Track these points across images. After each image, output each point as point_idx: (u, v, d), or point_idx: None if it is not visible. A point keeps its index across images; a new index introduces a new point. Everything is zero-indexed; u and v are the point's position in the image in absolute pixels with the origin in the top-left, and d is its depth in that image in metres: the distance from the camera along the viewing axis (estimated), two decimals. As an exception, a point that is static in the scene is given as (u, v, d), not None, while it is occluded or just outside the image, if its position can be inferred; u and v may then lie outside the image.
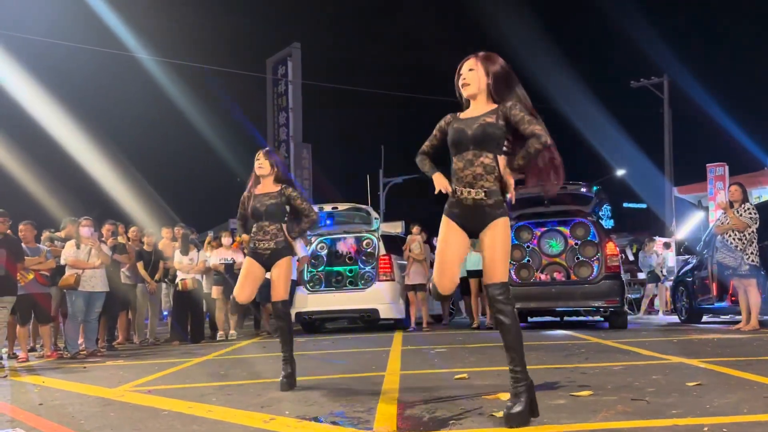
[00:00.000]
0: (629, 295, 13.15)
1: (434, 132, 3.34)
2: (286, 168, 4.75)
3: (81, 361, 7.11)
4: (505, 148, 3.15)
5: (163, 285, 10.02)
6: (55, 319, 8.37)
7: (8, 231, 7.26)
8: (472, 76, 3.17)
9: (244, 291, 4.49)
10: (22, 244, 7.61)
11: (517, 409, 2.93)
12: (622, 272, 9.27)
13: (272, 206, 4.50)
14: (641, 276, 14.52)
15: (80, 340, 7.95)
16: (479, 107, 3.18)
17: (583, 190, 9.30)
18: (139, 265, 9.39)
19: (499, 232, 3.09)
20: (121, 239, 9.40)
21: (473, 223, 3.13)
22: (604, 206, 14.69)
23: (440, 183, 3.20)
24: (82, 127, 17.96)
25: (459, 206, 3.14)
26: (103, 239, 8.51)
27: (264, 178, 4.62)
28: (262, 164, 4.59)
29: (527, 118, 3.03)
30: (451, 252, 3.16)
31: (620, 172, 27.88)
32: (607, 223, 31.03)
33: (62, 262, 7.76)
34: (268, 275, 4.61)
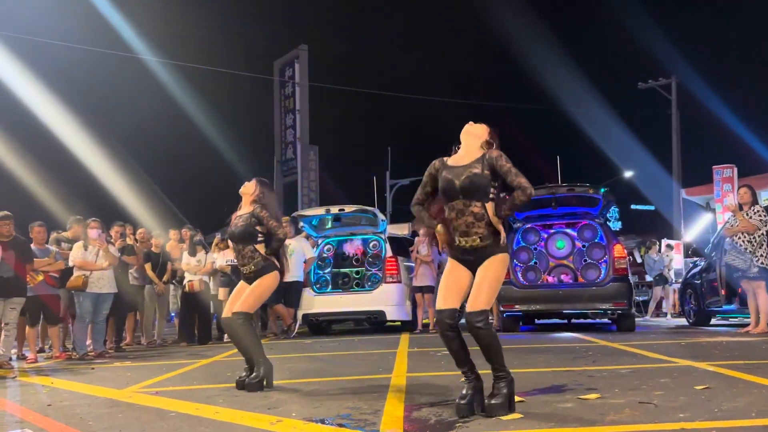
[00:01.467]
0: (637, 298, 13.10)
1: (425, 180, 3.59)
2: (269, 199, 4.81)
3: (89, 362, 7.14)
4: (491, 195, 3.39)
5: (171, 286, 10.05)
6: (64, 320, 8.41)
7: (15, 233, 7.30)
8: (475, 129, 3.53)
9: (230, 305, 4.69)
10: (32, 245, 7.65)
11: (497, 401, 3.22)
12: (629, 274, 9.24)
13: (240, 229, 4.64)
14: (649, 278, 14.48)
15: (88, 342, 7.98)
16: (468, 154, 3.43)
17: (591, 192, 9.26)
18: (147, 267, 9.43)
19: (492, 264, 3.35)
20: (129, 241, 9.44)
21: (475, 262, 3.39)
22: (612, 208, 14.64)
23: (443, 239, 3.47)
24: (88, 129, 18.07)
25: (461, 251, 3.41)
26: (111, 241, 8.55)
27: (244, 197, 4.79)
28: (247, 186, 4.78)
29: (513, 171, 3.35)
30: (454, 282, 3.42)
31: (628, 174, 27.80)
32: (615, 225, 30.97)
33: (70, 263, 7.80)
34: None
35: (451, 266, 3.47)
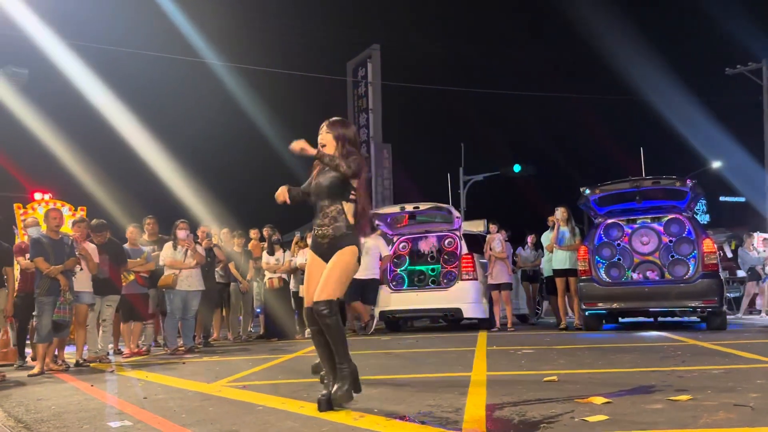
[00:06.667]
0: (728, 295, 12.45)
1: None
2: (354, 142, 3.92)
3: (180, 357, 7.48)
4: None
5: (255, 284, 10.40)
6: (154, 317, 8.86)
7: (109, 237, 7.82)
8: None
9: (308, 293, 3.80)
10: (126, 245, 8.16)
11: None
12: (720, 270, 8.80)
13: (334, 180, 3.78)
14: (740, 274, 13.71)
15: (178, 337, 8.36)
16: None
17: (678, 184, 8.88)
18: (231, 265, 9.79)
19: None
20: (214, 240, 9.83)
21: None
22: (700, 201, 13.97)
23: None
24: (163, 137, 18.80)
25: None
26: (198, 241, 8.92)
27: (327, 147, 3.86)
28: (323, 138, 3.85)
29: None
30: None
31: (716, 165, 26.47)
32: (702, 218, 29.57)
33: (160, 263, 8.21)
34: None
35: None
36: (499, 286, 10.10)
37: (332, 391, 3.57)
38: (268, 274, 9.84)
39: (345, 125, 3.91)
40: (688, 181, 8.86)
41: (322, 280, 3.69)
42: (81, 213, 10.52)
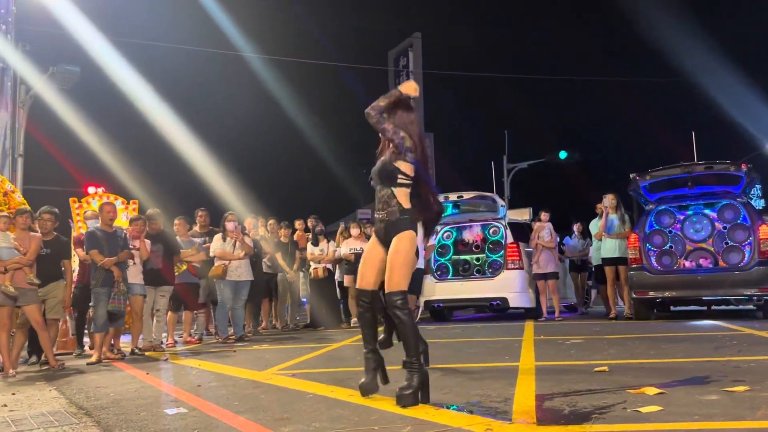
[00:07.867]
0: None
1: None
2: (402, 120, 3.79)
3: (230, 346, 7.66)
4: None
5: (301, 274, 10.55)
6: (205, 307, 9.07)
7: (162, 228, 8.03)
8: None
9: (362, 277, 3.77)
10: (177, 238, 8.36)
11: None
12: (777, 257, 8.49)
13: (382, 165, 3.73)
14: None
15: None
16: None
17: (732, 169, 8.60)
18: (278, 256, 9.95)
19: None
20: (261, 232, 10.00)
21: None
22: (755, 186, 13.46)
23: None
24: (210, 133, 19.08)
25: None
26: (246, 232, 9.09)
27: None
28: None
29: None
30: None
31: (772, 147, 25.46)
32: (758, 203, 28.53)
33: (210, 254, 8.39)
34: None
35: None
36: (545, 276, 10.00)
37: (399, 388, 3.42)
38: (312, 265, 9.96)
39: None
40: (743, 166, 8.57)
41: (388, 270, 3.59)
42: (133, 206, 10.83)
